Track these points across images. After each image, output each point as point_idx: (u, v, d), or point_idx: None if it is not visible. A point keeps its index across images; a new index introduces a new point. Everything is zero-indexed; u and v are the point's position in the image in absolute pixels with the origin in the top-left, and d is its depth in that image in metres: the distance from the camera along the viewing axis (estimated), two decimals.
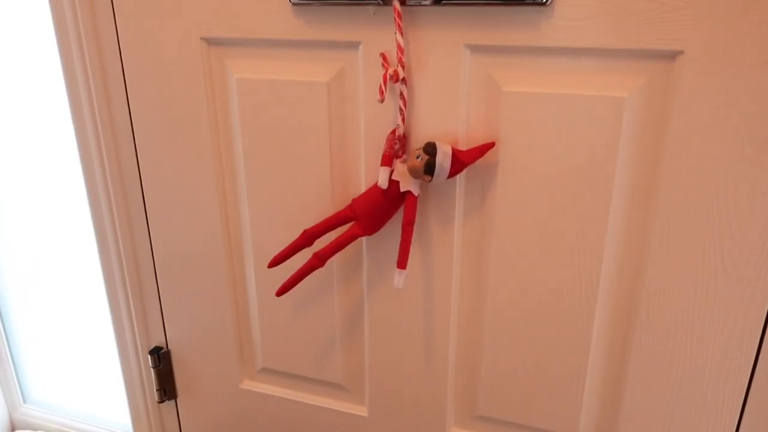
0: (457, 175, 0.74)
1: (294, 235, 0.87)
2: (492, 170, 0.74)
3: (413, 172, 0.72)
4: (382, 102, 0.70)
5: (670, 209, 0.68)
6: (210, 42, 0.82)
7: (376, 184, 0.76)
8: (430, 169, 0.71)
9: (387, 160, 0.75)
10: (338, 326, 0.92)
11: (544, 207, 0.73)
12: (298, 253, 0.81)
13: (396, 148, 0.75)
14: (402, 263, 0.74)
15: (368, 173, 0.80)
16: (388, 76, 0.70)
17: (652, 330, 0.73)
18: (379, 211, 0.76)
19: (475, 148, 0.72)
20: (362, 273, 0.87)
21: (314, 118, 0.80)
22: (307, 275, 0.80)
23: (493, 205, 0.76)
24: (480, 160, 0.73)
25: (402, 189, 0.74)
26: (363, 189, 0.82)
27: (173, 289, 1.00)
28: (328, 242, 0.80)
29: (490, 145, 0.72)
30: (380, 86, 0.70)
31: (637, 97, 0.66)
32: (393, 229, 0.81)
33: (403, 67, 0.71)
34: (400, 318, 0.87)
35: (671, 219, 0.68)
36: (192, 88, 0.84)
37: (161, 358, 1.06)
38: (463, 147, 0.74)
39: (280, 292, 0.82)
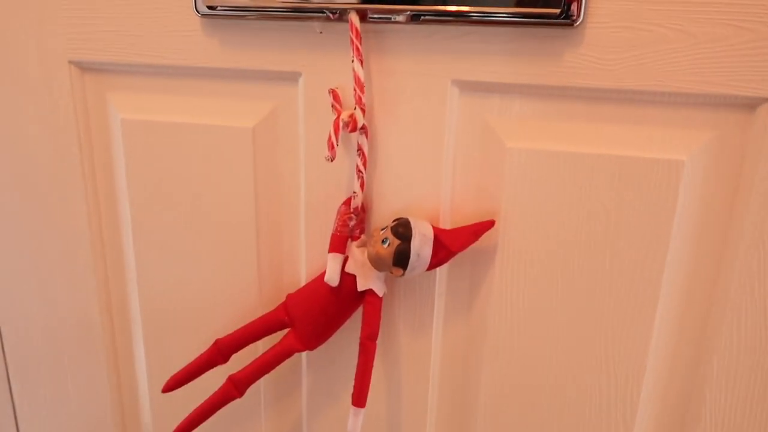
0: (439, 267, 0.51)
1: (201, 344, 0.62)
2: (487, 258, 0.52)
3: (377, 263, 0.49)
4: (332, 160, 0.47)
5: (742, 311, 0.47)
6: (82, 67, 0.57)
7: (321, 276, 0.53)
8: (402, 259, 0.48)
9: (338, 244, 0.51)
10: None
11: (563, 311, 0.51)
12: (209, 372, 0.56)
13: (351, 225, 0.52)
14: (359, 399, 0.50)
15: (310, 259, 0.56)
16: (341, 123, 0.47)
17: None
18: (324, 315, 0.52)
19: (466, 228, 0.49)
20: (300, 400, 0.62)
21: (234, 179, 0.56)
22: (218, 408, 0.55)
23: (486, 307, 0.53)
24: (472, 245, 0.50)
25: (360, 287, 0.51)
26: (302, 281, 0.58)
27: (31, 392, 0.71)
28: (250, 359, 0.55)
29: (488, 225, 0.50)
30: (329, 137, 0.47)
31: (700, 160, 0.46)
32: (347, 337, 0.57)
33: (363, 111, 0.49)
34: None
35: (743, 325, 0.48)
36: (59, 134, 0.59)
37: None
38: (446, 225, 0.52)
39: None
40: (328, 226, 0.54)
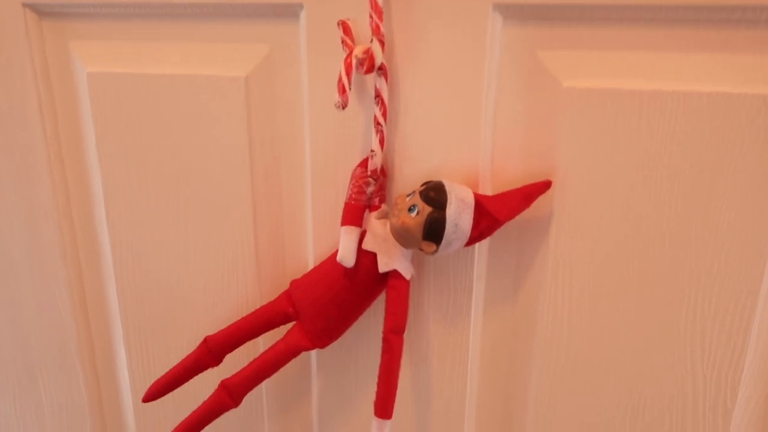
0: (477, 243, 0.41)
1: (192, 343, 0.52)
2: (538, 230, 0.42)
3: (403, 237, 0.39)
4: (343, 107, 0.37)
5: None
6: (39, 11, 0.47)
7: (333, 256, 0.43)
8: (435, 231, 0.37)
9: (353, 216, 0.41)
10: None
11: (636, 294, 0.41)
12: (203, 376, 0.46)
13: (369, 192, 0.41)
14: (384, 408, 0.40)
15: (318, 236, 0.46)
16: (354, 61, 0.37)
17: None
18: (337, 305, 0.42)
19: (515, 191, 0.39)
20: (310, 410, 0.52)
21: (224, 141, 0.46)
22: (210, 420, 0.45)
23: (537, 291, 0.43)
24: (522, 214, 0.40)
25: (382, 268, 0.40)
26: (309, 264, 0.48)
27: None
28: (248, 361, 0.45)
29: (544, 186, 0.39)
30: (340, 78, 0.37)
31: None
32: (365, 331, 0.47)
33: (381, 44, 0.38)
34: None
35: None
36: (14, 93, 0.49)
37: None
38: (486, 190, 0.42)
39: None
40: (339, 194, 0.44)
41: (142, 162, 0.48)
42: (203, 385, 0.52)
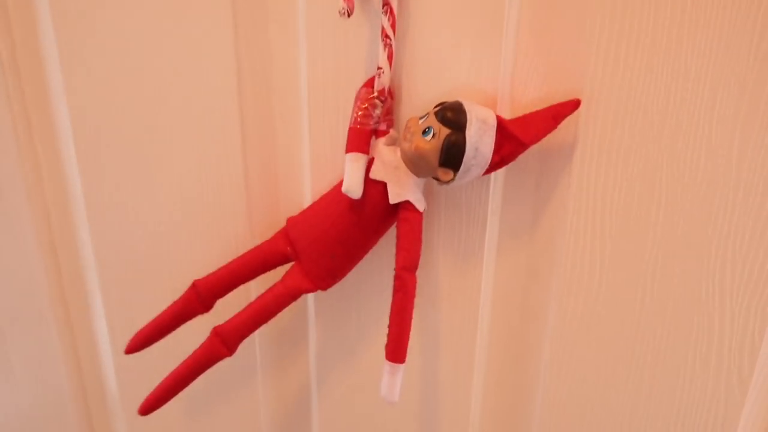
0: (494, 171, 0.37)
1: (175, 291, 0.47)
2: (561, 157, 0.38)
3: (417, 163, 0.35)
4: (348, 15, 0.32)
5: None
6: None
7: (335, 189, 0.38)
8: (453, 155, 0.33)
9: (359, 141, 0.37)
10: None
11: (665, 226, 0.38)
12: (190, 324, 0.42)
13: (376, 115, 0.37)
14: (397, 352, 0.37)
15: (316, 167, 0.42)
16: None
17: None
18: (342, 241, 0.38)
19: (541, 111, 0.35)
20: (307, 358, 0.48)
21: (208, 60, 0.40)
22: (202, 370, 0.41)
23: (557, 226, 0.40)
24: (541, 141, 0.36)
25: (393, 199, 0.36)
26: (306, 201, 0.43)
27: None
28: (239, 307, 0.41)
29: (573, 105, 0.35)
30: None
31: None
32: (367, 269, 0.43)
33: None
34: (377, 426, 0.49)
35: None
36: None
37: None
38: (505, 114, 0.38)
39: (148, 408, 0.42)
40: (341, 118, 0.39)
41: (113, 87, 0.43)
42: (191, 334, 0.48)
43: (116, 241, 0.47)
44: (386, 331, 0.45)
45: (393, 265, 0.42)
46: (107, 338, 0.52)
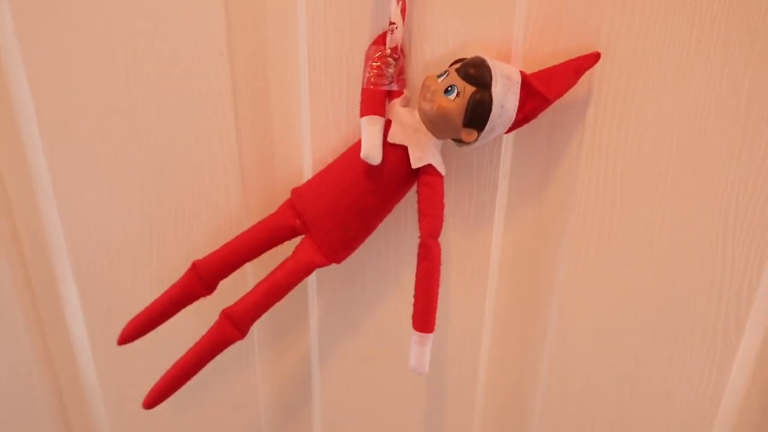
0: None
1: (167, 272, 0.44)
2: (573, 116, 0.38)
3: (439, 124, 0.33)
4: None
5: None
6: None
7: (344, 156, 0.36)
8: (480, 114, 0.32)
9: (373, 103, 0.35)
10: (264, 423, 0.51)
11: (674, 181, 0.38)
12: (190, 307, 0.39)
13: (390, 74, 0.35)
14: (426, 321, 0.35)
15: (317, 134, 0.39)
16: None
17: None
18: (358, 210, 0.36)
19: (562, 65, 0.34)
20: (308, 335, 0.46)
21: (194, 19, 0.37)
22: (211, 357, 0.38)
23: (568, 185, 0.39)
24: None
25: (415, 163, 0.35)
26: (305, 163, 0.41)
27: None
28: (249, 287, 0.38)
29: (593, 58, 0.35)
30: None
31: None
32: (372, 240, 0.41)
33: None
34: (383, 410, 0.48)
35: None
36: None
37: None
38: (520, 67, 0.36)
39: (154, 400, 0.39)
40: (345, 79, 0.37)
41: (82, 49, 0.38)
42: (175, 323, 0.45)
43: (91, 224, 0.43)
44: (393, 302, 0.44)
45: (399, 233, 0.42)
46: (83, 329, 0.48)
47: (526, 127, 0.38)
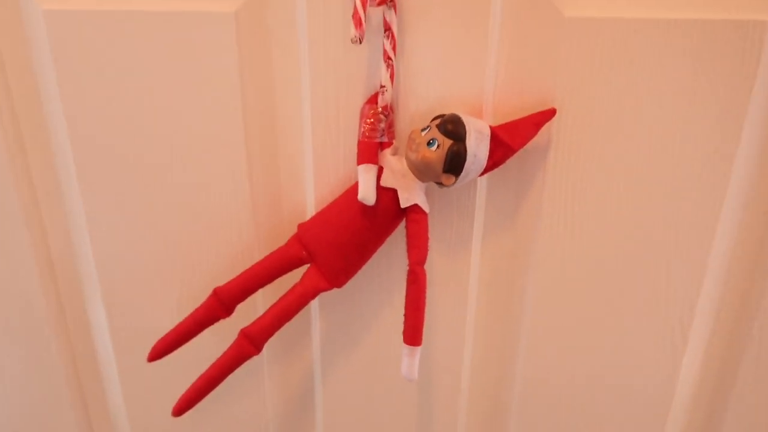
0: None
1: (183, 301, 0.50)
2: (536, 159, 0.44)
3: (423, 171, 0.40)
4: (360, 41, 0.36)
5: None
6: None
7: (343, 197, 0.43)
8: (456, 163, 0.39)
9: (368, 153, 0.41)
10: (272, 428, 0.57)
11: (625, 211, 0.45)
12: (208, 330, 0.45)
13: (381, 129, 0.41)
14: (414, 336, 0.42)
15: (319, 178, 0.46)
16: None
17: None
18: (355, 243, 0.42)
19: (524, 119, 0.41)
20: (311, 349, 0.53)
21: (212, 84, 0.43)
22: (231, 371, 0.44)
23: (535, 216, 0.46)
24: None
25: (403, 203, 0.41)
26: (308, 209, 0.47)
27: None
28: (259, 310, 0.44)
29: (550, 114, 0.42)
30: (355, 12, 0.36)
31: None
32: (368, 266, 0.48)
33: None
34: (378, 416, 0.55)
35: None
36: None
37: None
38: (489, 121, 0.43)
39: (182, 409, 0.45)
40: (341, 133, 0.43)
41: (114, 112, 0.44)
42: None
43: (119, 256, 0.49)
44: (386, 321, 0.50)
45: (390, 261, 0.48)
46: (111, 351, 0.54)
47: (497, 168, 0.45)
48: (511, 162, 0.44)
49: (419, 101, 0.43)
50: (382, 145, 0.42)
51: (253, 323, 0.43)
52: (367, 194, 0.40)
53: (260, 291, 0.47)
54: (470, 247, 0.48)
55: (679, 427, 0.53)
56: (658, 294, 0.47)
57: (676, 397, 0.52)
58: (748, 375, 0.49)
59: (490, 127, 0.40)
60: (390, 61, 0.40)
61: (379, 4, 0.38)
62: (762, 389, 0.49)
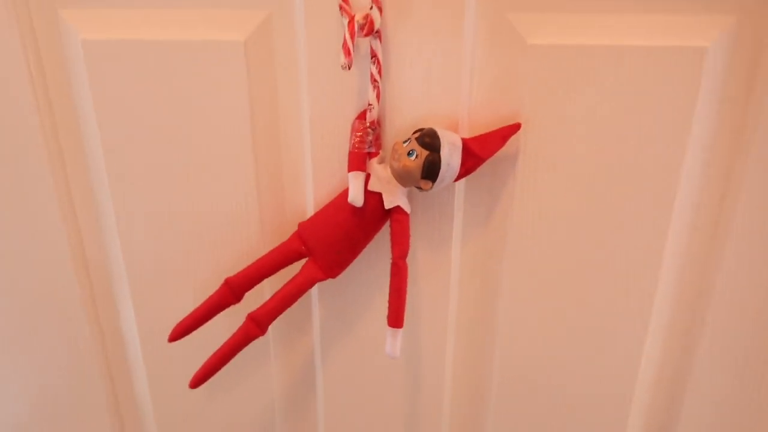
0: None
1: (199, 289, 0.57)
2: (507, 166, 0.51)
3: (404, 178, 0.46)
4: (349, 68, 0.43)
5: (756, 214, 0.49)
6: None
7: (337, 200, 0.49)
8: (432, 170, 0.45)
9: (357, 162, 0.48)
10: (278, 408, 0.64)
11: (584, 214, 0.51)
12: (220, 315, 0.52)
13: (369, 141, 0.48)
14: (396, 319, 0.48)
15: (318, 183, 0.52)
16: (356, 26, 0.43)
17: (716, 377, 0.55)
18: (348, 239, 0.49)
19: (493, 133, 0.47)
20: (312, 333, 0.60)
21: (225, 103, 0.50)
22: (239, 350, 0.51)
23: (506, 217, 0.52)
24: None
25: (387, 205, 0.48)
26: (308, 209, 0.54)
27: None
28: (254, 297, 0.51)
29: (515, 128, 0.48)
30: (345, 42, 0.43)
31: (722, 47, 0.45)
32: (357, 260, 0.54)
33: (380, 12, 0.44)
34: (371, 391, 0.61)
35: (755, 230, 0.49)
36: (2, 70, 0.50)
37: None
38: (464, 133, 0.50)
39: (198, 382, 0.52)
40: (337, 145, 0.50)
41: (142, 128, 0.51)
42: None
43: (144, 252, 0.56)
44: (378, 307, 0.57)
45: (378, 255, 0.55)
46: (137, 338, 0.61)
47: (473, 174, 0.51)
48: (486, 168, 0.51)
49: (402, 117, 0.49)
50: (370, 155, 0.48)
51: (259, 308, 0.50)
52: (356, 197, 0.47)
53: (266, 280, 0.54)
54: (450, 244, 0.54)
55: (643, 407, 0.59)
56: (618, 286, 0.53)
57: (639, 377, 0.58)
58: (704, 358, 0.55)
59: (462, 139, 0.46)
60: (376, 83, 0.46)
61: (366, 35, 0.44)
62: (716, 368, 0.55)
